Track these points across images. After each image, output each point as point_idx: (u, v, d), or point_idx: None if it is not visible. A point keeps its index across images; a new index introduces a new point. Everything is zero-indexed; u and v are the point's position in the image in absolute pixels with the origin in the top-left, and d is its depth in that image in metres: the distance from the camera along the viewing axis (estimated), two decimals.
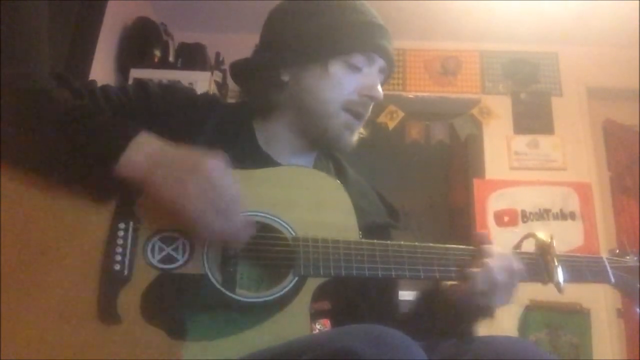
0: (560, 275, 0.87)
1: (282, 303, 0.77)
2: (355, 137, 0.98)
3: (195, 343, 0.72)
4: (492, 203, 2.98)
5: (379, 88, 0.97)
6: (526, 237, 0.96)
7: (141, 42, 2.78)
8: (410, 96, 3.25)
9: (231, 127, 0.96)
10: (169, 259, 0.77)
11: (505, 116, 3.16)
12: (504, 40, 3.22)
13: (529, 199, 2.97)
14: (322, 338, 0.70)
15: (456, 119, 3.17)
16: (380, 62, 0.97)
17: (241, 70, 1.02)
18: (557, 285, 0.87)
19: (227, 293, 0.76)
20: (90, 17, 1.97)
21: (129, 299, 0.73)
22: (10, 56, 1.35)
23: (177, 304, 0.74)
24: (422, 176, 4.11)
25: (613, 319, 2.79)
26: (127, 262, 0.75)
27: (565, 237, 2.85)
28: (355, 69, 0.95)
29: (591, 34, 3.10)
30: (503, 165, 3.07)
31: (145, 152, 0.74)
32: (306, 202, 0.85)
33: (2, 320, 0.68)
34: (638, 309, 0.95)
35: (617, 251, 0.98)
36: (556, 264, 0.88)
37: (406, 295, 1.03)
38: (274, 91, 0.97)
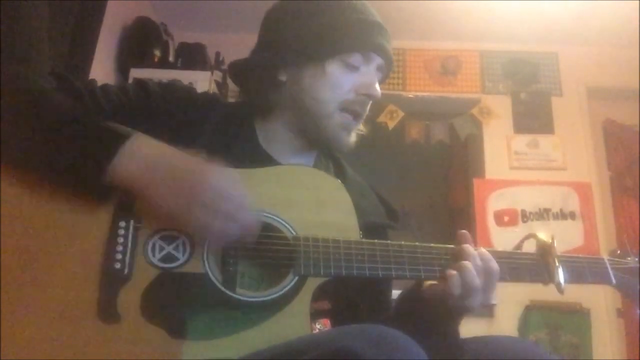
0: (561, 276, 0.87)
1: (282, 302, 0.77)
2: (353, 138, 0.98)
3: (195, 342, 0.72)
4: (492, 203, 2.98)
5: (377, 86, 0.97)
6: (527, 237, 0.96)
7: (141, 42, 2.78)
8: (410, 96, 3.25)
9: (232, 127, 0.96)
10: (169, 258, 0.77)
11: (505, 116, 3.16)
12: (504, 40, 3.22)
13: (529, 198, 2.97)
14: (322, 338, 0.70)
15: (456, 118, 3.17)
16: (378, 60, 0.97)
17: (240, 71, 1.02)
18: (558, 286, 0.87)
19: (228, 292, 0.76)
20: (90, 17, 1.97)
21: (129, 298, 0.73)
22: (10, 56, 1.35)
23: (178, 303, 0.74)
24: (422, 176, 4.11)
25: (613, 319, 2.79)
26: (127, 260, 0.75)
27: (565, 237, 2.85)
28: (353, 67, 0.95)
29: (591, 34, 3.10)
30: (503, 165, 3.07)
31: (138, 159, 0.73)
32: (307, 202, 0.85)
33: (3, 320, 0.68)
34: (639, 310, 0.95)
35: (618, 252, 0.98)
36: (557, 264, 0.88)
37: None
38: (272, 91, 0.97)
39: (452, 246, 0.86)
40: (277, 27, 0.98)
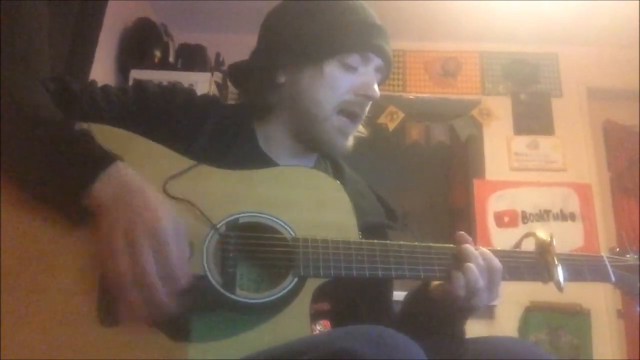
0: (560, 274, 0.87)
1: (282, 304, 0.77)
2: (350, 141, 0.98)
3: (195, 344, 0.72)
4: (492, 204, 2.98)
5: (376, 87, 0.96)
6: (526, 236, 0.96)
7: (141, 42, 2.79)
8: (410, 97, 3.25)
9: (231, 128, 0.96)
10: None
11: (505, 117, 3.17)
12: (504, 40, 3.22)
13: (529, 199, 2.98)
14: (322, 338, 0.70)
15: (456, 120, 3.17)
16: (376, 61, 0.96)
17: (239, 73, 1.02)
18: (558, 284, 0.87)
19: (227, 294, 0.76)
20: (91, 18, 1.97)
21: None
22: (9, 57, 1.35)
23: (177, 306, 0.74)
24: (422, 177, 4.11)
25: (613, 320, 2.79)
26: None
27: (565, 238, 2.85)
28: (351, 68, 0.94)
29: (591, 34, 3.10)
30: (503, 166, 3.08)
31: (111, 187, 0.71)
32: (306, 203, 0.85)
33: (2, 323, 0.68)
34: (638, 307, 0.95)
35: (617, 250, 0.98)
36: (556, 263, 0.88)
37: (400, 295, 1.03)
38: (271, 93, 0.97)
39: (451, 246, 0.86)
40: (276, 29, 0.98)
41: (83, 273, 0.73)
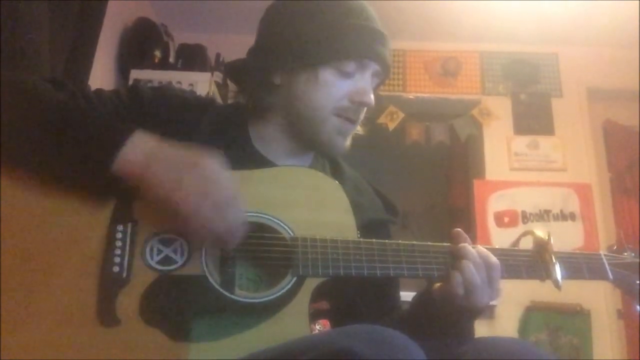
0: (558, 272, 0.87)
1: (281, 303, 0.77)
2: (348, 142, 0.97)
3: (195, 344, 0.72)
4: (492, 204, 2.98)
5: (371, 95, 0.95)
6: (524, 234, 0.96)
7: (141, 42, 2.78)
8: (410, 97, 3.25)
9: (226, 129, 0.96)
10: (167, 261, 0.77)
11: (505, 117, 3.17)
12: (504, 40, 3.22)
13: (529, 199, 2.97)
14: (321, 338, 0.70)
15: (456, 119, 3.17)
16: (373, 67, 0.95)
17: (236, 71, 1.02)
18: (555, 282, 0.87)
19: (226, 294, 0.76)
20: (91, 18, 1.97)
21: (128, 301, 0.73)
22: (9, 58, 1.35)
23: (177, 306, 0.74)
24: (422, 177, 4.11)
25: (613, 320, 2.79)
26: (125, 264, 0.75)
27: (565, 238, 2.85)
28: (347, 74, 0.93)
29: (591, 34, 3.10)
30: (503, 166, 3.07)
31: (141, 150, 0.74)
32: (304, 202, 0.85)
33: (2, 323, 0.68)
34: (637, 305, 0.95)
35: (615, 247, 0.98)
36: (554, 261, 0.88)
37: (408, 296, 1.03)
38: (266, 94, 0.96)
39: (449, 244, 0.86)
40: (272, 30, 0.98)
41: (83, 273, 0.73)
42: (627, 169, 3.10)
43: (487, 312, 2.72)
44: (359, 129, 1.00)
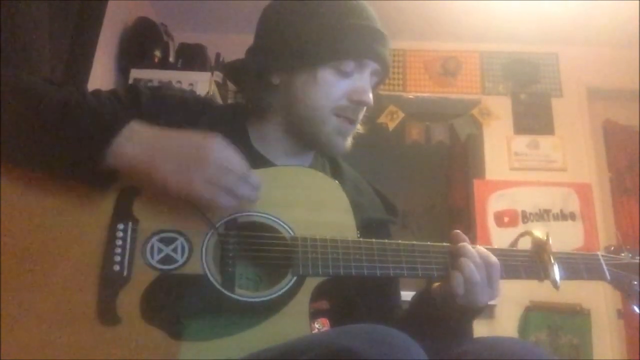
0: (556, 272, 0.88)
1: (281, 303, 0.77)
2: (348, 142, 0.97)
3: (195, 343, 0.72)
4: (492, 203, 2.98)
5: (370, 94, 0.94)
6: (522, 235, 0.96)
7: (141, 42, 2.78)
8: (410, 97, 3.25)
9: (224, 129, 0.95)
10: (168, 260, 0.77)
11: (505, 117, 3.16)
12: (504, 40, 3.22)
13: (529, 199, 2.97)
14: (322, 338, 0.70)
15: (456, 119, 3.17)
16: (372, 66, 0.94)
17: (234, 72, 1.02)
18: (554, 282, 0.88)
19: (227, 293, 0.76)
20: (91, 17, 1.96)
21: (129, 300, 0.73)
22: (8, 58, 1.35)
23: (177, 305, 0.74)
24: (422, 177, 4.12)
25: (613, 320, 2.79)
26: (126, 262, 0.75)
27: (565, 238, 2.85)
28: (345, 74, 0.93)
29: (591, 34, 3.10)
30: (503, 166, 3.07)
31: (136, 141, 0.74)
32: (304, 202, 0.85)
33: (2, 322, 0.68)
34: (634, 305, 0.95)
35: (612, 248, 0.99)
36: (552, 261, 0.89)
37: (408, 295, 1.03)
38: (265, 94, 0.96)
39: (448, 244, 0.87)
40: (270, 30, 0.97)
41: (84, 272, 0.73)
42: (627, 169, 3.10)
43: (487, 312, 2.72)
44: (359, 128, 1.00)
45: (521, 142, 3.11)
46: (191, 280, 0.76)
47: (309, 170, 0.94)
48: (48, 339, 0.69)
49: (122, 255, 0.75)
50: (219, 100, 2.72)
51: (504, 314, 2.74)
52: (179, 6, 3.06)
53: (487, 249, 0.87)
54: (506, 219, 2.95)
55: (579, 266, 0.93)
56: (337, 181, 0.90)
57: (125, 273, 0.74)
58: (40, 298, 0.71)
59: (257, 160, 0.95)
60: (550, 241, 0.90)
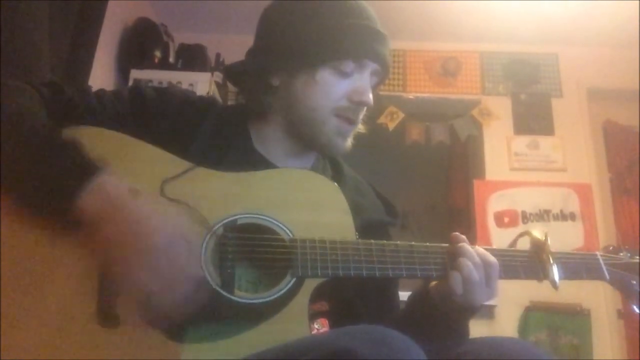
0: (555, 272, 0.88)
1: (280, 304, 0.77)
2: (348, 142, 0.97)
3: (195, 345, 0.72)
4: (492, 204, 2.98)
5: (370, 94, 0.94)
6: (521, 235, 0.96)
7: (141, 42, 2.78)
8: (410, 97, 3.25)
9: (227, 130, 0.95)
10: None
11: (505, 117, 3.17)
12: (504, 41, 3.22)
13: (529, 199, 2.97)
14: (322, 339, 0.70)
15: (456, 120, 3.17)
16: (372, 66, 0.94)
17: (234, 74, 1.02)
18: (553, 282, 0.88)
19: (226, 295, 0.76)
20: (91, 18, 1.97)
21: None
22: (9, 60, 1.35)
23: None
24: (422, 177, 4.12)
25: (613, 320, 2.79)
26: None
27: (565, 238, 2.85)
28: (345, 74, 0.92)
29: (591, 34, 3.10)
30: (503, 166, 3.07)
31: (95, 200, 0.71)
32: (303, 204, 0.85)
33: (2, 323, 0.68)
34: (634, 305, 0.95)
35: (611, 248, 0.99)
36: (551, 261, 0.89)
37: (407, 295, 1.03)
38: (265, 95, 0.96)
39: (447, 245, 0.87)
40: (270, 31, 0.97)
41: (83, 274, 0.73)
42: (627, 169, 3.10)
43: (487, 312, 2.72)
44: (360, 127, 1.00)
45: (521, 143, 3.11)
46: (190, 282, 0.76)
47: (307, 172, 0.94)
48: (48, 340, 0.69)
49: None
50: (220, 101, 2.72)
51: (504, 314, 2.75)
52: (179, 6, 3.06)
53: (485, 249, 0.87)
54: (506, 220, 2.95)
55: (578, 266, 0.93)
56: (335, 183, 0.90)
57: None
58: (40, 300, 0.70)
59: (258, 161, 0.95)
60: (549, 241, 0.91)
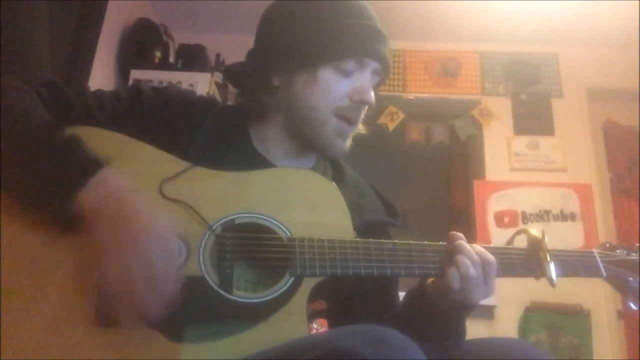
0: (552, 270, 0.88)
1: (279, 303, 0.77)
2: (348, 143, 0.97)
3: (194, 345, 0.72)
4: (492, 204, 2.98)
5: (371, 93, 0.94)
6: (518, 233, 0.97)
7: (141, 43, 2.78)
8: (410, 97, 3.25)
9: (226, 129, 0.96)
10: None
11: (505, 117, 3.16)
12: (504, 41, 3.22)
13: (529, 200, 2.97)
14: (321, 338, 0.70)
15: (456, 120, 3.16)
16: (373, 65, 0.94)
17: (235, 75, 1.02)
18: (550, 280, 0.88)
19: (225, 294, 0.76)
20: (91, 18, 1.97)
21: None
22: (8, 60, 1.35)
23: (175, 306, 0.74)
24: (422, 177, 4.11)
25: (613, 320, 2.79)
26: None
27: (565, 238, 2.85)
28: (346, 73, 0.92)
29: (591, 34, 3.10)
30: (503, 167, 3.07)
31: (96, 195, 0.71)
32: (301, 204, 0.85)
33: (2, 324, 0.68)
34: (631, 302, 0.95)
35: (608, 245, 0.99)
36: (548, 259, 0.89)
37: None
38: (266, 95, 0.96)
39: (445, 243, 0.87)
40: (270, 31, 0.97)
41: (81, 274, 0.73)
42: (627, 169, 3.10)
43: (487, 312, 2.72)
44: (361, 128, 1.00)
45: (521, 143, 3.10)
46: (189, 282, 0.76)
47: (306, 171, 0.94)
48: (47, 341, 0.69)
49: None
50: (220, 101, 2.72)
51: (504, 314, 2.74)
52: (179, 7, 3.06)
53: (483, 247, 0.87)
54: (506, 220, 2.95)
55: (575, 263, 0.94)
56: (334, 183, 0.90)
57: None
58: (39, 300, 0.70)
59: (257, 161, 0.95)
60: (546, 239, 0.91)
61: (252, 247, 0.80)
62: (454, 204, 3.55)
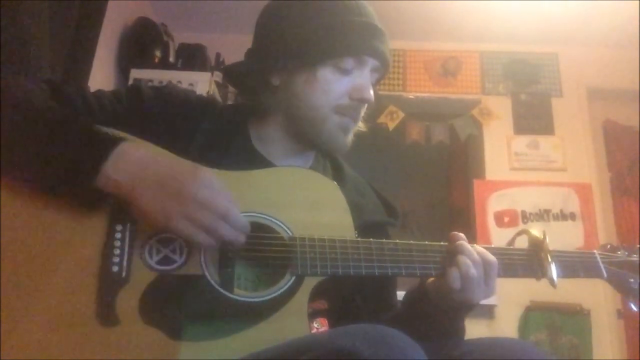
0: (553, 270, 0.88)
1: (279, 303, 0.77)
2: (350, 138, 0.97)
3: (194, 344, 0.72)
4: (492, 204, 2.98)
5: (371, 91, 0.94)
6: (519, 233, 0.97)
7: (141, 42, 2.78)
8: (410, 97, 3.25)
9: (226, 129, 0.96)
10: (166, 260, 0.77)
11: (505, 117, 3.16)
12: (504, 40, 3.22)
13: (529, 199, 2.97)
14: (321, 338, 0.70)
15: (456, 119, 3.17)
16: (372, 62, 0.94)
17: (234, 75, 1.02)
18: (551, 280, 0.88)
19: (225, 293, 0.76)
20: (91, 17, 1.97)
21: (128, 301, 0.73)
22: (8, 60, 1.35)
23: (176, 305, 0.74)
24: (422, 177, 4.12)
25: (613, 320, 2.79)
26: (125, 263, 0.75)
27: (565, 238, 2.85)
28: (345, 71, 0.92)
29: (591, 34, 3.10)
30: (503, 166, 3.07)
31: (121, 167, 0.73)
32: (302, 202, 0.85)
33: (2, 323, 0.68)
34: (631, 303, 0.95)
35: (609, 246, 0.99)
36: (549, 259, 0.89)
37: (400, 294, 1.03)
38: (265, 95, 0.96)
39: (446, 243, 0.87)
40: (269, 31, 0.97)
41: (82, 274, 0.73)
42: (627, 169, 3.10)
43: (487, 312, 2.72)
44: (361, 126, 1.00)
45: (521, 142, 3.10)
46: (190, 281, 0.76)
47: (307, 170, 0.94)
48: (47, 340, 0.69)
49: (121, 256, 0.75)
50: (220, 101, 2.72)
51: (504, 314, 2.74)
52: (179, 6, 3.06)
53: (485, 247, 0.87)
54: (506, 219, 2.95)
55: (576, 264, 0.94)
56: (334, 182, 0.90)
57: (124, 274, 0.74)
58: (39, 299, 0.71)
59: (257, 160, 0.95)
60: (547, 239, 0.91)
61: (253, 246, 0.80)
62: (454, 204, 3.55)
